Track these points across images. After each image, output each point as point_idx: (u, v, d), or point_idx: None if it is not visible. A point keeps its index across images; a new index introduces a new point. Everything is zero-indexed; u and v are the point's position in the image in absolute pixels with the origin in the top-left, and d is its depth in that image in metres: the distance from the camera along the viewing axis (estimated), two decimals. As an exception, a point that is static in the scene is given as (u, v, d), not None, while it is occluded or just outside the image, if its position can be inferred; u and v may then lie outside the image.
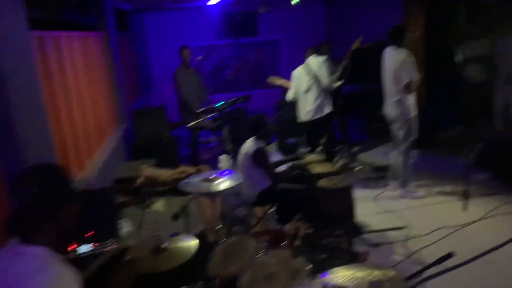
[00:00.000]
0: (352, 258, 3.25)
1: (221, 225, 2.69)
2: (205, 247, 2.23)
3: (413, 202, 4.73)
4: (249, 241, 2.31)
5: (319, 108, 5.25)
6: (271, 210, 3.01)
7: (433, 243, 3.70)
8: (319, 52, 5.35)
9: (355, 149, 6.55)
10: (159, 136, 5.97)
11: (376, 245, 3.84)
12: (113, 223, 2.51)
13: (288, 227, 2.84)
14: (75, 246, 2.26)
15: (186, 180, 2.86)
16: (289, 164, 4.38)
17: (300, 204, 3.60)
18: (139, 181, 3.73)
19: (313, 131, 5.20)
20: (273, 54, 9.80)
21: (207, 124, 5.92)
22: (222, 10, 8.81)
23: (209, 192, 2.68)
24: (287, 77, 5.56)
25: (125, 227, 2.77)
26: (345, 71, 5.47)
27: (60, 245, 1.43)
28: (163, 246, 2.05)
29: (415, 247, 3.69)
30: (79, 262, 2.20)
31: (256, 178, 3.83)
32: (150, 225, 2.89)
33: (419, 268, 1.61)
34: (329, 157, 4.61)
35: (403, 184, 4.89)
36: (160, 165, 4.54)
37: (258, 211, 3.55)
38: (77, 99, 4.07)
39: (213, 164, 4.92)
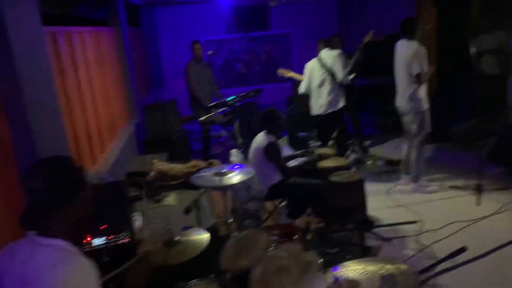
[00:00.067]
0: (364, 252, 3.24)
1: (232, 219, 2.70)
2: (216, 241, 2.25)
3: (426, 196, 4.69)
4: (260, 235, 2.32)
5: (332, 102, 5.23)
6: (282, 204, 3.01)
7: (445, 237, 3.68)
8: (331, 46, 5.33)
9: (367, 143, 6.51)
10: (171, 131, 6.00)
11: (388, 239, 3.82)
12: (126, 216, 2.53)
13: (299, 221, 2.85)
14: (89, 238, 2.29)
15: (197, 174, 2.88)
16: (301, 158, 4.38)
17: (311, 198, 3.60)
18: (151, 175, 3.76)
19: (325, 125, 5.18)
20: (284, 47, 9.76)
21: (218, 118, 5.93)
22: (233, 3, 8.81)
23: (220, 186, 2.68)
24: (299, 70, 5.54)
25: (138, 220, 2.79)
26: (356, 64, 5.44)
27: (75, 237, 1.45)
28: (175, 239, 2.07)
29: (427, 242, 3.67)
30: (93, 255, 2.23)
31: (267, 172, 3.83)
32: (162, 218, 2.91)
33: (431, 262, 1.60)
34: (340, 151, 4.59)
35: (416, 178, 4.86)
36: (171, 159, 4.57)
37: (269, 205, 3.56)
38: (90, 94, 4.11)
39: (224, 158, 4.93)
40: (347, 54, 5.47)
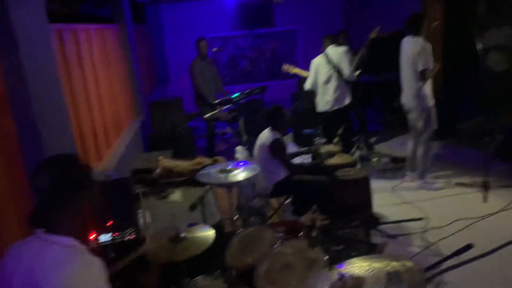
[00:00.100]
0: (369, 249, 3.24)
1: (237, 216, 2.70)
2: (221, 238, 2.25)
3: (432, 193, 4.67)
4: (265, 232, 2.32)
5: (339, 98, 5.22)
6: (287, 201, 3.02)
7: (451, 234, 3.66)
8: (337, 42, 5.30)
9: (372, 140, 6.49)
10: (176, 128, 6.01)
11: (394, 236, 3.81)
12: (132, 213, 2.54)
13: (304, 218, 2.85)
14: (95, 235, 2.30)
15: (202, 171, 2.88)
16: (307, 155, 4.37)
17: (317, 195, 3.60)
18: (157, 172, 3.77)
19: (331, 122, 5.16)
20: (290, 44, 9.73)
21: (223, 115, 5.94)
22: (238, 0, 8.80)
23: (225, 183, 2.69)
24: (304, 67, 5.52)
25: (143, 217, 2.80)
26: (361, 61, 5.42)
27: (81, 234, 1.46)
28: (180, 236, 2.07)
29: (433, 239, 3.65)
30: (99, 251, 2.25)
31: (272, 169, 3.83)
32: (167, 215, 2.92)
33: (437, 259, 1.60)
34: (346, 148, 4.58)
35: (421, 175, 4.84)
36: (176, 156, 4.58)
37: (274, 202, 3.56)
38: (96, 91, 4.12)
39: (229, 155, 4.94)
40: (353, 50, 5.45)
